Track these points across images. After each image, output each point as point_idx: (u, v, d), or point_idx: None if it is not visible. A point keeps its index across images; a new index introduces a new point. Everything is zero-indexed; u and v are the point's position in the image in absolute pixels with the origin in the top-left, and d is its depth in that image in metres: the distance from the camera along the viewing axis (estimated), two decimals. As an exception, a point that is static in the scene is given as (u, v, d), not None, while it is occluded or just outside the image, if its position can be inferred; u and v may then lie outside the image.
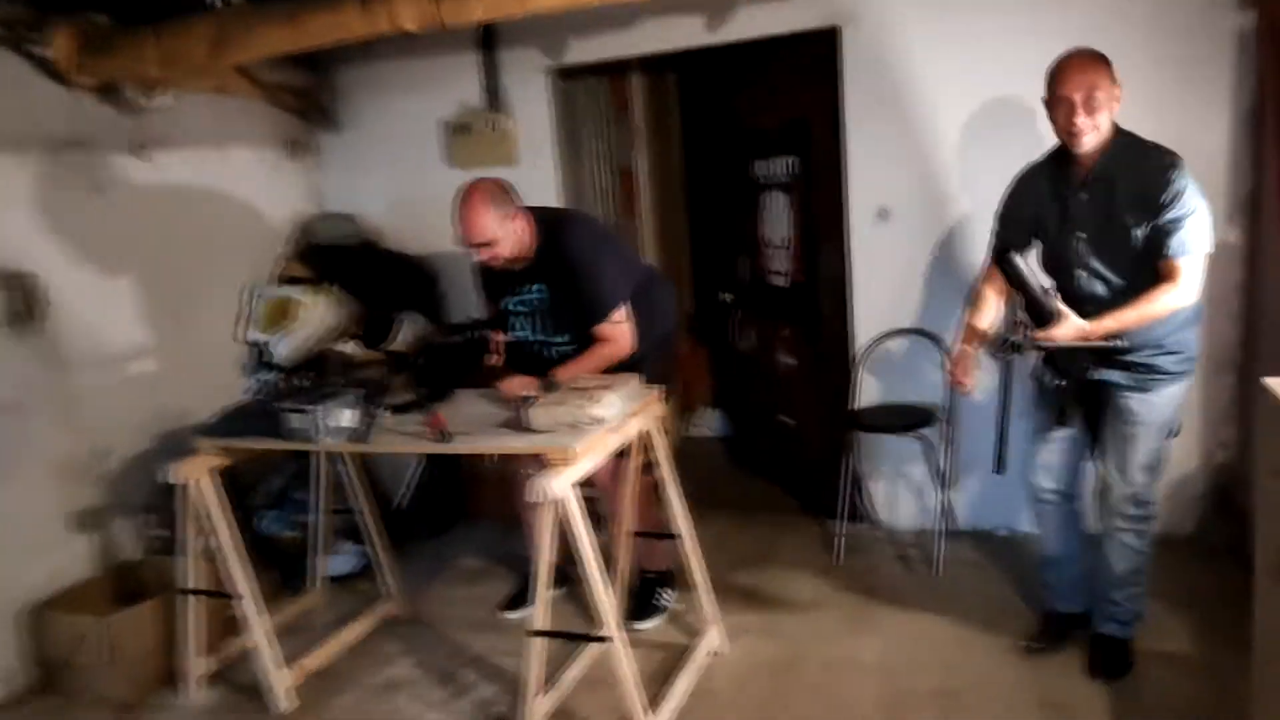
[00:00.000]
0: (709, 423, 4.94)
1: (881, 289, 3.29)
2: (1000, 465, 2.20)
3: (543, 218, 2.65)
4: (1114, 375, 2.27)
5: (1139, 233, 2.12)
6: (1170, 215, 2.08)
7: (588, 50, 3.56)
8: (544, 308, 2.71)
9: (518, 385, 2.50)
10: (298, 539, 3.35)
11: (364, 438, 2.30)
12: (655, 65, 4.54)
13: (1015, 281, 2.11)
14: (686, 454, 4.57)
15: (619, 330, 2.61)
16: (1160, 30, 2.80)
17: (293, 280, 3.67)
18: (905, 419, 3.15)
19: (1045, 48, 2.23)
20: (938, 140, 3.11)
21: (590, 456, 2.16)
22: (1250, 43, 2.74)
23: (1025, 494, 2.60)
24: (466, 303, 3.89)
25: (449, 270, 3.86)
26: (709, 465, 4.50)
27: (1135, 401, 2.27)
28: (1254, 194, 2.81)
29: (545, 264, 2.62)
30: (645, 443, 2.51)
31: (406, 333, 3.73)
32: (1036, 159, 2.37)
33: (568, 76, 3.80)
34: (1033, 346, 2.14)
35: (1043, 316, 2.12)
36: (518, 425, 2.25)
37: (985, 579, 3.00)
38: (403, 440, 2.33)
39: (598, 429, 2.19)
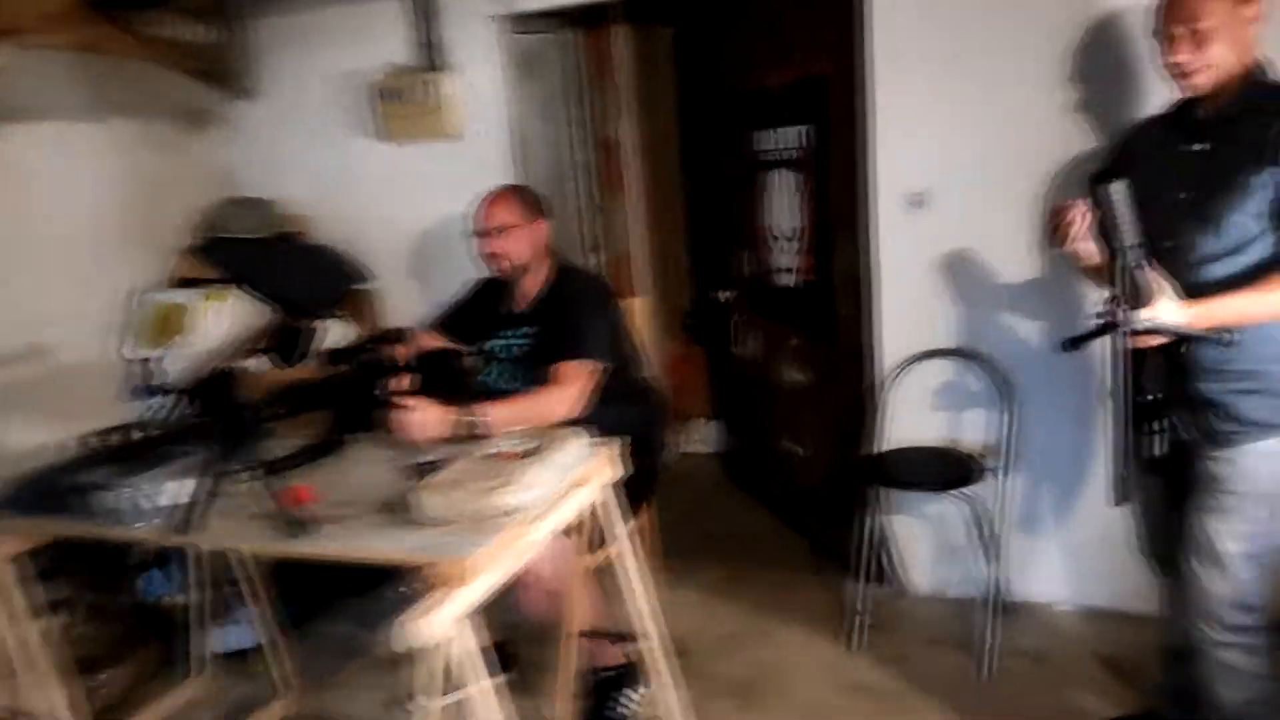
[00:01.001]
0: (706, 437, 4.26)
1: (914, 296, 2.58)
2: (1123, 492, 1.68)
3: (565, 263, 2.46)
4: (1189, 422, 1.72)
5: (1256, 193, 1.61)
6: None
7: (549, -8, 2.86)
8: (525, 356, 2.36)
9: (424, 422, 1.88)
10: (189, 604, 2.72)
11: (184, 527, 1.64)
12: (643, 14, 3.81)
13: (1110, 221, 1.58)
14: (680, 474, 3.92)
15: (575, 375, 2.17)
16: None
17: (187, 283, 3.01)
18: (944, 471, 2.45)
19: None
20: (994, 101, 2.38)
21: (496, 566, 1.49)
22: None
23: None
24: (406, 305, 3.23)
25: (384, 265, 3.18)
26: (703, 488, 3.85)
27: (1218, 464, 1.70)
28: None
29: (547, 306, 2.36)
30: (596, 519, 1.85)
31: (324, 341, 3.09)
32: (1159, 110, 1.89)
33: (528, 27, 3.09)
34: (1135, 326, 1.59)
35: (1136, 289, 1.59)
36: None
37: (1050, 679, 2.32)
38: (239, 532, 1.66)
39: (510, 522, 1.52)
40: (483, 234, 2.33)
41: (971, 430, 2.59)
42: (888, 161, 2.53)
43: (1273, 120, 1.63)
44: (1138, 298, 1.60)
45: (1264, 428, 1.67)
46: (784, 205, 3.13)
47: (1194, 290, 1.67)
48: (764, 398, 3.51)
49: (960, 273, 2.52)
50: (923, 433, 2.64)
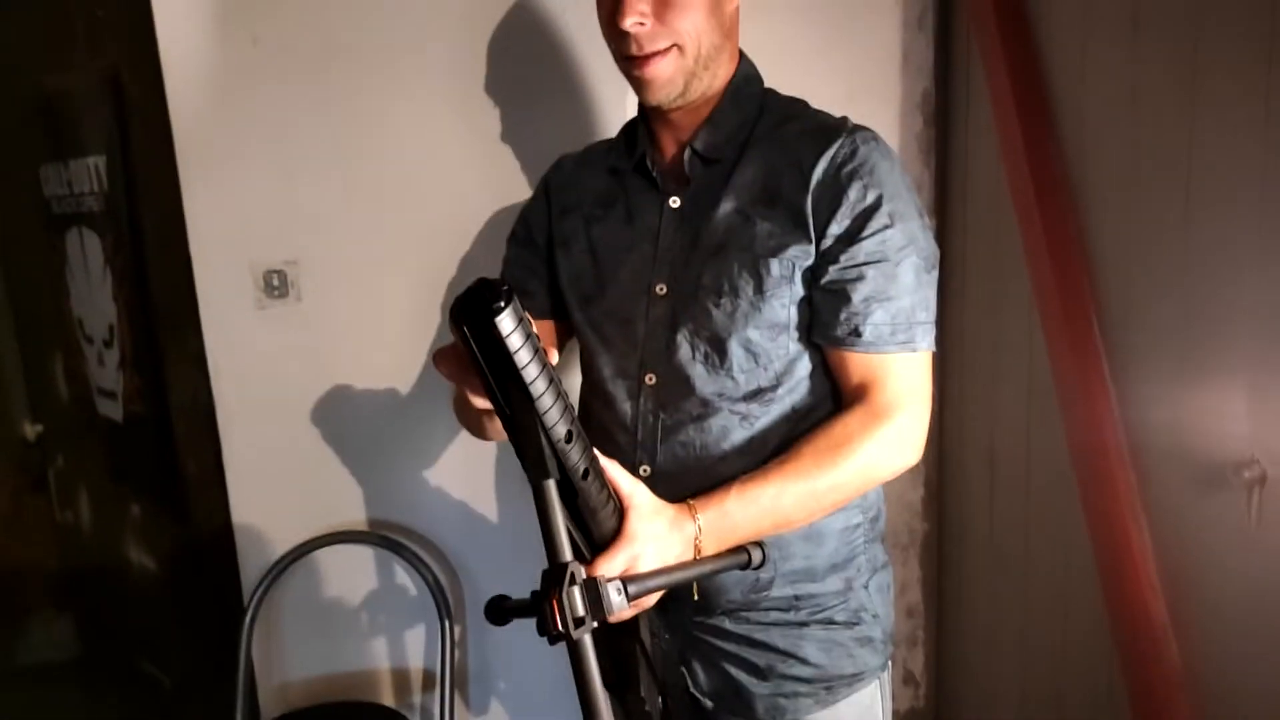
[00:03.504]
0: (55, 639, 2.74)
1: (286, 444, 1.52)
2: None
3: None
4: (720, 695, 0.99)
5: (781, 288, 0.92)
6: (865, 242, 0.91)
7: None
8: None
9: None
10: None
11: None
12: None
13: (504, 387, 0.64)
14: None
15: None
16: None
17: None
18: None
19: None
20: (386, 130, 1.45)
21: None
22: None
23: None
24: None
25: None
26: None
27: None
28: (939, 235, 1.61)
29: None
30: None
31: None
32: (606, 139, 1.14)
33: None
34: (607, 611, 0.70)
35: (582, 514, 0.75)
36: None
37: None
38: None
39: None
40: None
41: (410, 657, 1.60)
42: (217, 216, 1.46)
43: (806, 153, 0.93)
44: (589, 527, 0.77)
45: (835, 681, 0.97)
46: (91, 288, 1.89)
47: (694, 473, 0.92)
48: (111, 590, 2.19)
49: (361, 404, 1.52)
50: (329, 666, 1.58)
